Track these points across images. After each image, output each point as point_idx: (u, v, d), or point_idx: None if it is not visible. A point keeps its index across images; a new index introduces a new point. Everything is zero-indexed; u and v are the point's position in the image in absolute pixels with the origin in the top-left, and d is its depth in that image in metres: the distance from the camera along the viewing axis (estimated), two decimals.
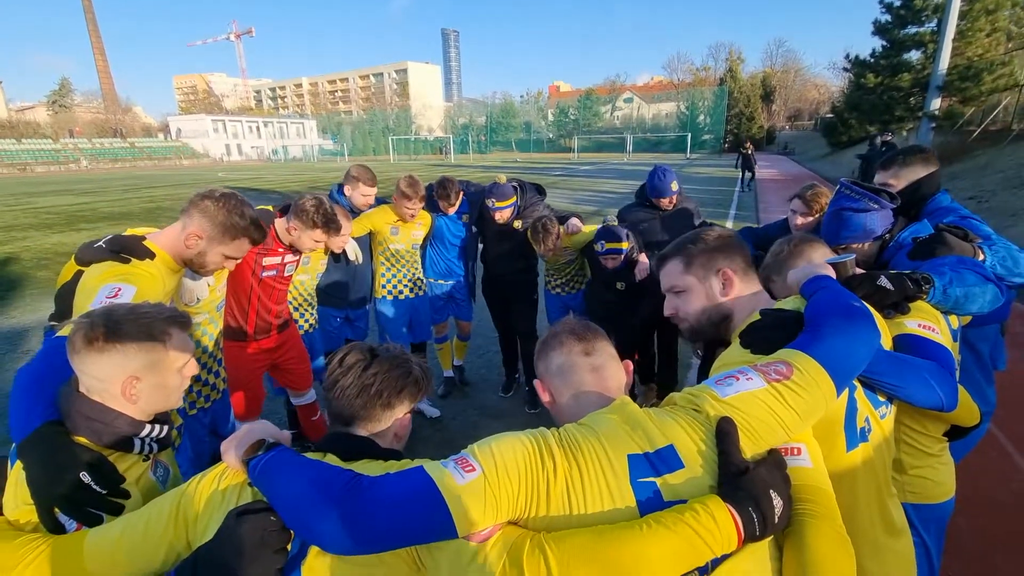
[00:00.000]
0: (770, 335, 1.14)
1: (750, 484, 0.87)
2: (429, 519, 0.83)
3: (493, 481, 0.86)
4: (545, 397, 1.15)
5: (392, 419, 1.14)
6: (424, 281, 3.83)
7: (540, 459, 0.89)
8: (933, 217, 1.92)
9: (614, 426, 0.95)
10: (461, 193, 3.61)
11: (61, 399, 1.15)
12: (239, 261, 1.93)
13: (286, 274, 2.69)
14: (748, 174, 19.04)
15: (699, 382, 1.09)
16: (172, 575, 0.92)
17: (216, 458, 1.06)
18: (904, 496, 1.43)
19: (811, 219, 2.47)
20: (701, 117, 59.85)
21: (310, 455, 1.02)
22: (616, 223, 3.39)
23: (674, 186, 3.39)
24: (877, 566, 1.16)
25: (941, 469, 1.49)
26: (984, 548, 2.46)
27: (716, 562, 0.84)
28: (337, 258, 3.25)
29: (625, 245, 3.04)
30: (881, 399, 1.25)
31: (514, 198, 3.47)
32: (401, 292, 3.68)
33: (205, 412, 2.21)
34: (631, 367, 1.19)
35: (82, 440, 1.12)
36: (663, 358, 3.79)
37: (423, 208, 3.52)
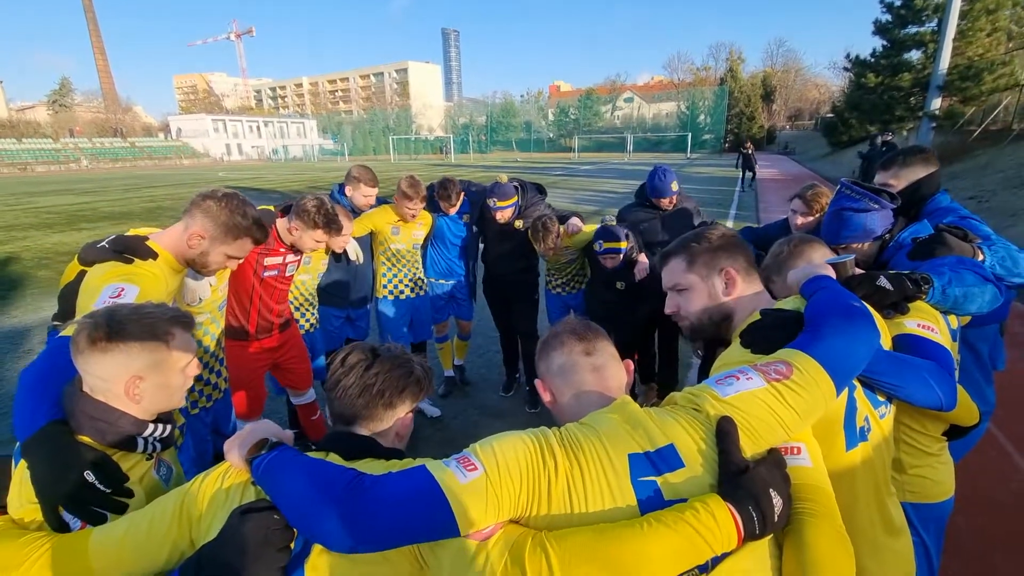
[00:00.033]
0: (770, 335, 1.14)
1: (750, 483, 0.87)
2: (431, 518, 0.84)
3: (495, 480, 0.86)
4: (546, 397, 1.15)
5: (394, 418, 1.14)
6: (425, 281, 3.84)
7: (541, 458, 0.90)
8: (933, 217, 1.92)
9: (615, 425, 0.96)
10: (462, 193, 3.62)
11: (65, 399, 1.15)
12: (241, 261, 1.94)
13: (287, 274, 2.70)
14: (749, 174, 19.03)
15: (699, 382, 1.09)
16: (176, 574, 0.92)
17: (219, 457, 1.07)
18: (903, 495, 1.44)
19: (811, 219, 2.47)
20: (701, 117, 59.80)
21: (313, 454, 1.03)
22: (615, 223, 3.39)
23: (674, 186, 3.40)
24: (876, 565, 1.17)
25: (940, 468, 1.50)
26: (983, 547, 2.47)
27: (716, 560, 0.85)
28: (338, 258, 3.26)
29: (624, 245, 3.05)
30: (880, 399, 1.26)
31: (515, 198, 3.47)
32: (402, 292, 3.69)
33: (207, 411, 2.22)
34: (632, 367, 1.19)
35: (86, 439, 1.13)
36: (663, 358, 3.79)
37: (424, 208, 3.52)
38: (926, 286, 1.42)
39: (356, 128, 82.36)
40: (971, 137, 16.04)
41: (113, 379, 1.14)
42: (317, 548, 0.92)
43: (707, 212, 3.91)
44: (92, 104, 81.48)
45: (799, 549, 0.90)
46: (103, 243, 1.62)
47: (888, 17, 25.03)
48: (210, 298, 2.10)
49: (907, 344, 1.34)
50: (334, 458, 1.03)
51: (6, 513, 1.10)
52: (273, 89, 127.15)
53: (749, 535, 0.85)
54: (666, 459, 0.92)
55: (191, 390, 1.91)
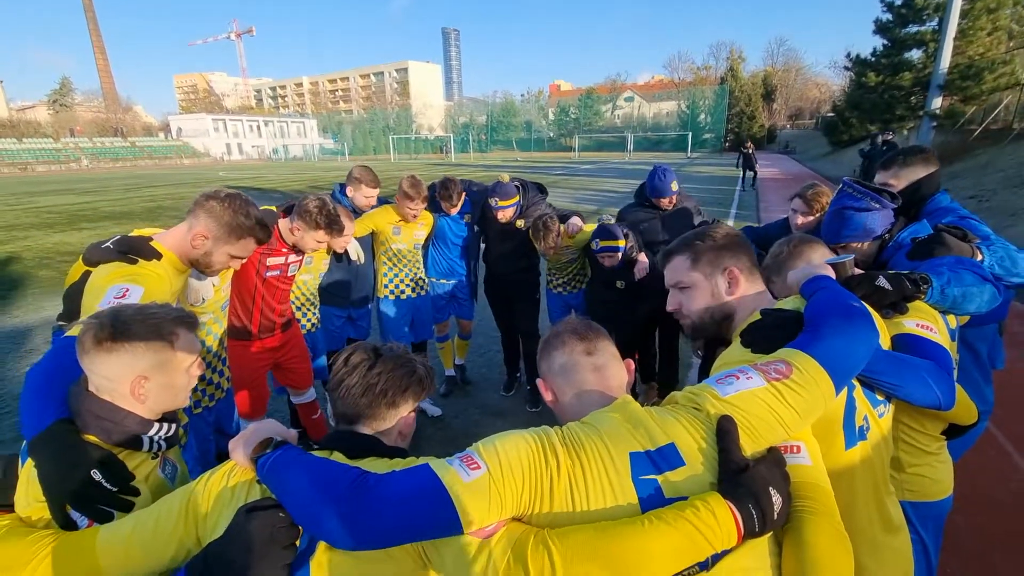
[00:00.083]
0: (770, 335, 1.15)
1: (750, 481, 0.88)
2: (435, 516, 0.84)
3: (498, 478, 0.87)
4: (548, 396, 1.16)
5: (397, 418, 1.15)
6: (426, 281, 3.85)
7: (544, 457, 0.91)
8: (932, 217, 1.93)
9: (616, 424, 0.97)
10: (463, 194, 3.62)
11: (71, 398, 1.16)
12: (244, 261, 1.95)
13: (289, 274, 2.71)
14: (750, 173, 19.03)
15: (700, 381, 1.10)
16: (183, 571, 0.93)
17: (222, 456, 1.08)
18: (902, 494, 1.44)
19: (811, 218, 2.48)
20: (702, 116, 59.75)
21: (316, 453, 1.04)
22: (613, 221, 3.40)
23: (674, 186, 3.40)
24: (875, 563, 1.18)
25: (939, 467, 1.51)
26: (982, 546, 2.48)
27: (716, 558, 0.86)
28: (339, 258, 3.27)
29: (621, 243, 3.05)
30: (879, 398, 1.27)
31: (517, 197, 3.48)
32: (403, 292, 3.70)
33: (210, 411, 2.23)
34: (632, 366, 1.20)
35: (92, 438, 1.14)
36: (664, 357, 3.80)
37: (425, 208, 3.53)
38: (925, 286, 1.43)
39: (356, 128, 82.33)
40: (971, 136, 16.02)
41: (118, 379, 1.15)
42: (322, 545, 0.94)
43: (707, 212, 3.91)
44: (92, 104, 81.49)
45: (798, 547, 0.91)
46: (108, 243, 1.63)
47: (889, 16, 25.02)
48: (213, 298, 2.11)
49: (906, 344, 1.35)
50: (338, 457, 1.04)
51: (13, 511, 1.11)
52: (273, 89, 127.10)
53: (749, 533, 0.86)
54: (667, 457, 0.92)
55: (194, 389, 1.93)
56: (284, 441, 1.03)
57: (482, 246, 3.89)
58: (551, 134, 72.44)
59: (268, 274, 2.60)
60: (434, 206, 3.65)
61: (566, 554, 0.82)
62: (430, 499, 0.85)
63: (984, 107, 17.75)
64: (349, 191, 3.41)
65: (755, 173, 19.08)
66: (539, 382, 1.18)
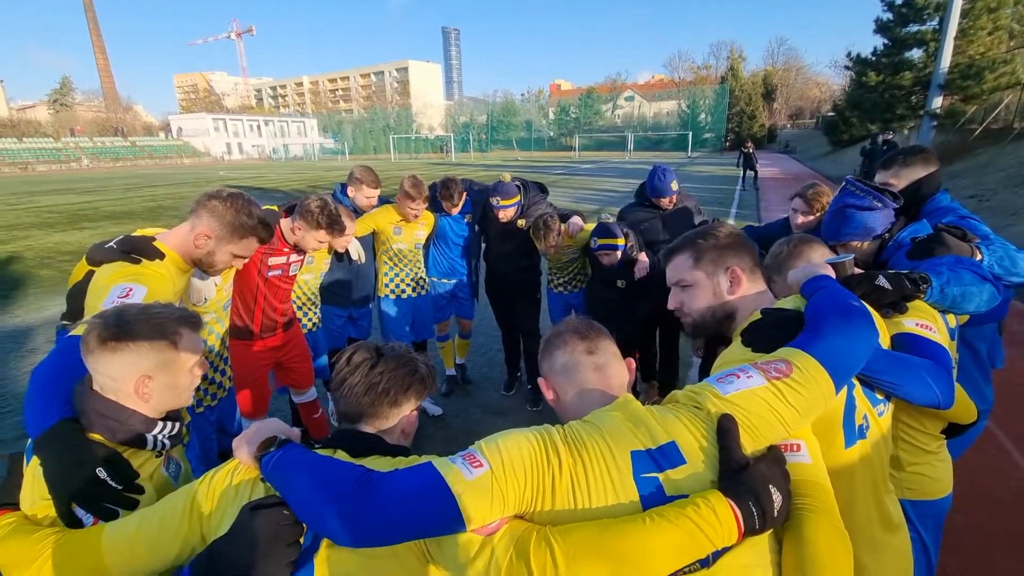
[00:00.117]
0: (771, 334, 1.15)
1: (750, 479, 0.89)
2: (438, 513, 0.85)
3: (500, 476, 0.88)
4: (549, 395, 1.17)
5: (399, 416, 1.16)
6: (426, 280, 3.85)
7: (546, 455, 0.92)
8: (932, 217, 1.94)
9: (617, 423, 0.98)
10: (464, 193, 3.63)
11: (76, 397, 1.17)
12: (247, 260, 1.96)
13: (291, 273, 2.72)
14: (751, 173, 19.03)
15: (700, 380, 1.11)
16: (188, 569, 0.94)
17: (224, 455, 1.09)
18: (902, 492, 1.45)
19: (812, 218, 2.49)
20: (702, 115, 59.65)
21: (320, 451, 1.04)
22: (612, 220, 3.40)
23: (674, 186, 3.41)
24: (874, 561, 1.19)
25: (939, 466, 1.51)
26: (982, 545, 2.49)
27: (717, 555, 0.86)
28: (340, 257, 3.27)
29: (620, 241, 3.05)
30: (879, 397, 1.28)
31: (518, 197, 3.49)
32: (404, 291, 3.70)
33: (212, 410, 2.23)
34: (633, 365, 1.21)
35: (97, 437, 1.14)
36: (664, 356, 3.81)
37: (426, 208, 3.54)
38: (924, 285, 1.43)
39: (356, 127, 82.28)
40: (972, 136, 16.02)
41: (123, 378, 1.16)
42: (326, 543, 0.94)
43: (708, 211, 3.92)
44: (93, 103, 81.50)
45: (798, 544, 0.92)
46: (111, 243, 1.64)
47: (889, 15, 24.99)
48: (215, 298, 2.12)
49: (905, 343, 1.35)
50: (341, 455, 1.04)
51: (19, 509, 1.12)
52: (273, 88, 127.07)
53: (749, 530, 0.87)
54: (668, 456, 0.93)
55: (196, 389, 1.94)
56: (288, 440, 1.04)
57: (483, 246, 3.90)
58: (551, 134, 72.35)
59: (270, 274, 2.61)
60: (435, 206, 3.65)
61: (568, 551, 0.82)
62: (433, 497, 0.86)
63: (985, 107, 17.74)
64: (350, 191, 3.42)
65: (756, 173, 19.07)
66: (540, 381, 1.19)
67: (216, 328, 2.19)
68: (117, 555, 0.99)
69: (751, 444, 0.95)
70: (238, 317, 2.59)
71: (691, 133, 53.23)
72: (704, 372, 2.80)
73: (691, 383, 1.09)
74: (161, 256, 1.69)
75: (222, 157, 70.25)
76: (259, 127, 79.95)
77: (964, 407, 1.38)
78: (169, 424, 1.25)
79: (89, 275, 1.60)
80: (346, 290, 3.44)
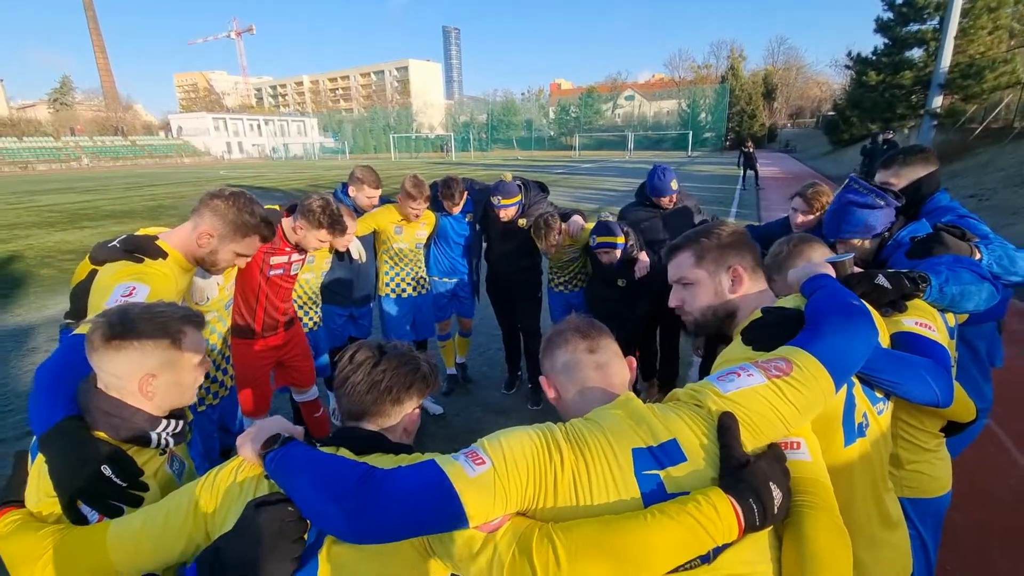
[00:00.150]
0: (771, 332, 1.16)
1: (751, 476, 0.90)
2: (441, 510, 0.86)
3: (502, 473, 0.89)
4: (551, 393, 1.18)
5: (401, 414, 1.17)
6: (427, 280, 3.86)
7: (548, 453, 0.92)
8: (932, 216, 1.94)
9: (619, 421, 0.99)
10: (465, 193, 3.63)
11: (80, 395, 1.18)
12: (250, 259, 1.96)
13: (292, 272, 2.73)
14: (751, 173, 19.01)
15: (701, 378, 1.11)
16: (193, 565, 0.95)
17: (226, 453, 1.10)
18: (901, 490, 1.46)
19: (812, 217, 2.49)
20: (702, 115, 59.57)
21: (323, 449, 1.05)
22: (613, 219, 3.41)
23: (674, 185, 3.41)
24: (873, 559, 1.19)
25: (938, 464, 1.52)
26: (981, 543, 2.49)
27: (718, 551, 0.87)
28: (341, 257, 3.28)
29: (619, 239, 3.06)
30: (879, 395, 1.28)
31: (519, 196, 3.49)
32: (404, 291, 3.71)
33: (214, 408, 2.24)
34: (634, 363, 1.21)
35: (101, 435, 1.15)
36: (665, 355, 3.82)
37: (427, 208, 3.55)
38: (924, 284, 1.44)
39: (357, 126, 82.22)
40: (972, 135, 16.01)
41: (127, 376, 1.16)
42: (330, 539, 0.95)
43: (708, 210, 3.93)
44: (93, 102, 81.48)
45: (798, 541, 0.93)
46: (114, 242, 1.64)
47: (890, 15, 24.98)
48: (217, 297, 2.13)
49: (905, 342, 1.36)
50: (344, 453, 1.05)
51: (24, 507, 1.13)
52: (274, 87, 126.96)
53: (750, 527, 0.88)
54: (669, 453, 0.94)
55: (199, 387, 1.95)
56: (291, 437, 1.05)
57: (484, 245, 3.90)
58: (552, 133, 72.26)
59: (272, 273, 2.62)
60: (436, 205, 3.66)
61: (570, 547, 0.83)
62: (436, 494, 0.87)
63: (985, 106, 17.74)
64: (351, 191, 3.42)
65: (757, 173, 19.05)
66: (542, 379, 1.20)
67: (218, 327, 2.20)
68: (122, 552, 1.00)
69: (751, 442, 0.96)
70: (240, 316, 2.60)
71: (691, 132, 53.16)
72: (704, 371, 2.80)
73: (691, 382, 1.10)
74: (164, 255, 1.69)
75: (222, 156, 70.26)
76: (259, 126, 79.94)
77: (963, 405, 1.38)
78: (173, 422, 1.26)
79: (92, 274, 1.60)
80: (347, 289, 3.44)
